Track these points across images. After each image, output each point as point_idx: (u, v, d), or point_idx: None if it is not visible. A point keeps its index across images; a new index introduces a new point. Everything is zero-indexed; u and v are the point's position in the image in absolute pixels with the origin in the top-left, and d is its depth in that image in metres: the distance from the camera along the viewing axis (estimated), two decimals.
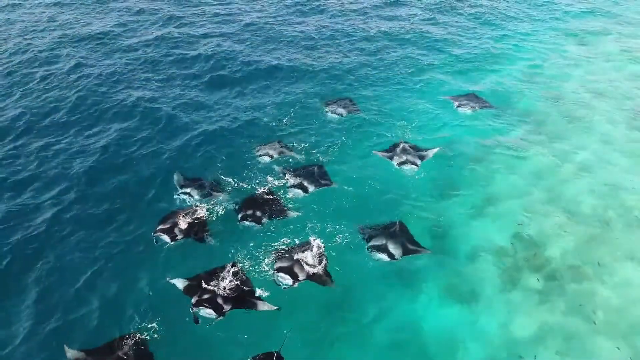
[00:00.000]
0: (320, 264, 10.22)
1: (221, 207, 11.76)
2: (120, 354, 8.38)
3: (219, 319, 9.01)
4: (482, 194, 12.71)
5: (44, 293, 9.79)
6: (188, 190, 12.15)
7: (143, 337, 8.75)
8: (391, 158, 13.41)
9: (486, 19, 24.06)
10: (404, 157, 13.18)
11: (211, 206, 11.74)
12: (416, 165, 13.10)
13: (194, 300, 9.22)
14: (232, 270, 9.87)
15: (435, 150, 13.60)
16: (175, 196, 12.21)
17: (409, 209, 12.10)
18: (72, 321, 9.27)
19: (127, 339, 8.66)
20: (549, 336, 9.36)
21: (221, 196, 12.17)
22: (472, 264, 10.78)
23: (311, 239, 10.76)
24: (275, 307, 9.25)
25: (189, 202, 11.92)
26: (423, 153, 13.52)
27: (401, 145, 13.71)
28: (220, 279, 9.64)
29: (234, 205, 11.89)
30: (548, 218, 11.98)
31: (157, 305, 9.44)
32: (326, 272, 10.10)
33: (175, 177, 12.72)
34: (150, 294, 9.70)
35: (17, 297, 9.75)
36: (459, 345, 9.14)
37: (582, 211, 12.22)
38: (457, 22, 23.69)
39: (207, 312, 9.05)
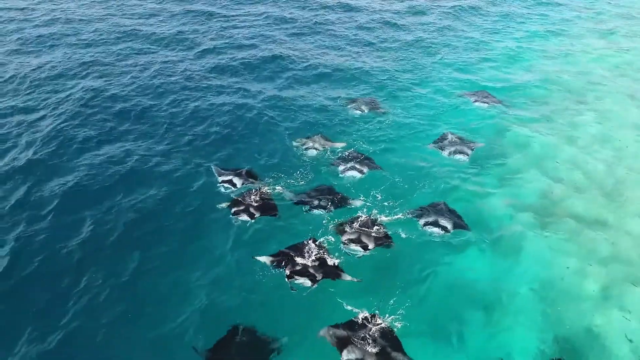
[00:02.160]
0: (382, 233, 11.08)
1: (281, 193, 12.46)
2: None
3: (313, 286, 9.63)
4: (509, 169, 14.12)
5: (140, 285, 10.03)
6: (229, 178, 12.81)
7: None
8: (441, 148, 14.56)
9: (491, 25, 26.50)
10: (454, 148, 14.41)
11: (270, 189, 12.47)
12: (467, 154, 14.28)
13: (287, 271, 9.81)
14: (314, 244, 10.52)
15: (480, 144, 14.85)
16: (218, 185, 12.79)
17: (450, 186, 13.23)
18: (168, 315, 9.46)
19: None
20: (588, 273, 10.64)
21: (275, 185, 12.81)
22: (509, 221, 12.04)
23: (370, 214, 11.68)
24: (357, 279, 9.92)
25: (232, 190, 12.54)
26: (470, 145, 14.73)
27: (449, 136, 14.90)
28: (305, 252, 10.26)
29: (292, 192, 12.57)
30: (568, 182, 13.52)
31: (258, 281, 9.96)
32: (388, 237, 11.01)
33: (213, 168, 13.35)
34: (249, 271, 10.18)
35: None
36: (506, 286, 10.28)
37: (597, 175, 13.85)
38: (465, 28, 25.92)
39: (302, 281, 9.65)
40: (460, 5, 29.20)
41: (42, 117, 15.74)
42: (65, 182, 12.67)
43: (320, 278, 9.75)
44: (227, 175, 12.98)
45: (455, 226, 11.49)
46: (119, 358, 8.62)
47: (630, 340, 9.23)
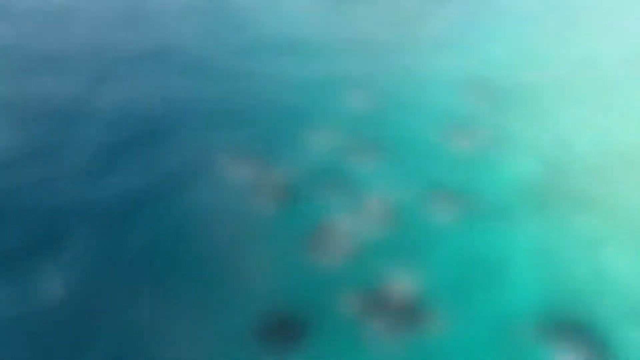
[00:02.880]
0: (393, 214, 11.99)
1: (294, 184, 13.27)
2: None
3: (340, 260, 10.50)
4: (510, 155, 15.09)
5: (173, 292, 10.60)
6: (240, 168, 13.46)
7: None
8: (444, 140, 15.42)
9: (490, 23, 27.45)
10: (458, 139, 15.35)
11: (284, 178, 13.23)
12: (469, 144, 15.18)
13: (315, 249, 10.65)
14: (336, 226, 11.37)
15: (482, 135, 15.74)
16: (230, 176, 13.40)
17: (456, 171, 14.19)
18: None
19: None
20: (588, 240, 11.78)
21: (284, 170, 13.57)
22: (513, 199, 13.09)
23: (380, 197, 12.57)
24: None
25: (246, 181, 13.12)
26: (472, 136, 15.64)
27: (452, 130, 15.83)
28: (330, 232, 11.09)
29: (306, 184, 13.34)
30: (557, 157, 14.75)
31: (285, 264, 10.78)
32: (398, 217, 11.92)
33: (222, 159, 13.95)
34: (278, 256, 10.99)
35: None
36: (512, 255, 11.33)
37: (583, 149, 15.12)
38: (465, 27, 26.80)
39: (330, 258, 10.50)
40: (461, 6, 30.27)
41: (74, 121, 16.26)
42: (113, 188, 13.21)
43: (345, 253, 10.60)
44: (238, 165, 13.63)
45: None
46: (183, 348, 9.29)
47: (628, 298, 10.31)
